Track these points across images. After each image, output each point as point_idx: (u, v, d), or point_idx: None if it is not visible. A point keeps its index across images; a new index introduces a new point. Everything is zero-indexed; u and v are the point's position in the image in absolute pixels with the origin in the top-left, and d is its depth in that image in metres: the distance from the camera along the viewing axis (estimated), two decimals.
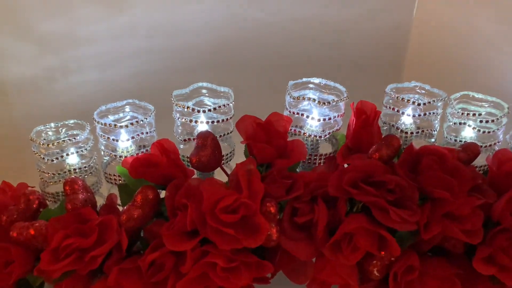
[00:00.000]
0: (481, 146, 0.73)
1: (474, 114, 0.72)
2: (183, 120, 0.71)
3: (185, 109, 0.70)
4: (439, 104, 0.72)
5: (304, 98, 0.69)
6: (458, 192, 0.61)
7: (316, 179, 0.64)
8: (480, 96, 0.75)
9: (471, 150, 0.68)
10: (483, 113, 0.72)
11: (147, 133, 0.73)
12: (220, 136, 0.71)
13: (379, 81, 0.79)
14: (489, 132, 0.72)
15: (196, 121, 0.70)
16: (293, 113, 0.71)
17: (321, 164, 0.72)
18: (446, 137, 0.75)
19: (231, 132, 0.73)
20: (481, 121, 0.72)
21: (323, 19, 1.03)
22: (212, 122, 0.71)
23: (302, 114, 0.70)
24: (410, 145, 0.64)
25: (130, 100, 0.73)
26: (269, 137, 0.65)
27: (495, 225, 0.63)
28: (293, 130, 0.72)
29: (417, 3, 1.11)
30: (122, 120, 0.73)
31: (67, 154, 0.73)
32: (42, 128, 0.73)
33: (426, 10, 1.11)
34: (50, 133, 0.74)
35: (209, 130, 0.68)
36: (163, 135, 0.70)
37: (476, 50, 1.03)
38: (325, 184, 0.63)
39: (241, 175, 0.61)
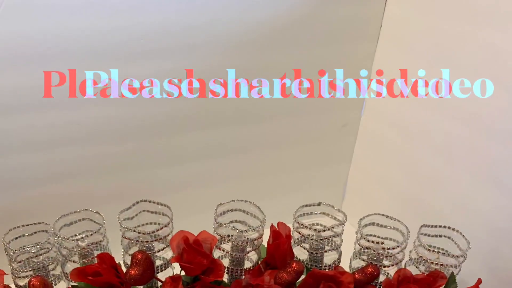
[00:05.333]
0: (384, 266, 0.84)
1: (378, 243, 0.83)
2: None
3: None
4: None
5: (225, 225, 0.82)
6: None
7: None
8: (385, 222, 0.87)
9: (369, 272, 0.79)
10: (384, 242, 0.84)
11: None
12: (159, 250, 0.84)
13: None
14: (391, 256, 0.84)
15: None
16: (219, 234, 0.83)
17: (245, 276, 0.84)
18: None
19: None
20: (383, 249, 0.83)
21: None
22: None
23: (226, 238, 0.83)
24: (313, 270, 0.76)
25: None
26: (196, 255, 0.78)
27: None
28: (218, 248, 0.84)
29: None
30: None
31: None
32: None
33: None
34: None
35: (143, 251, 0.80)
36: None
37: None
38: None
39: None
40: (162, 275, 0.83)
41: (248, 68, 1.00)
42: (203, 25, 0.92)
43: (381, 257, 0.83)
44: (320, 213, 0.89)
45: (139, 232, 0.82)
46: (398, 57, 1.06)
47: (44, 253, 0.85)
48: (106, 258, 0.77)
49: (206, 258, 0.78)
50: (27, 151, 0.90)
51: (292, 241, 0.85)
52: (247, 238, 0.82)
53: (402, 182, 1.09)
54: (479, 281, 0.79)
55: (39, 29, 0.81)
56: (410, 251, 0.87)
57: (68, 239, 0.82)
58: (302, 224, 0.85)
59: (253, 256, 0.86)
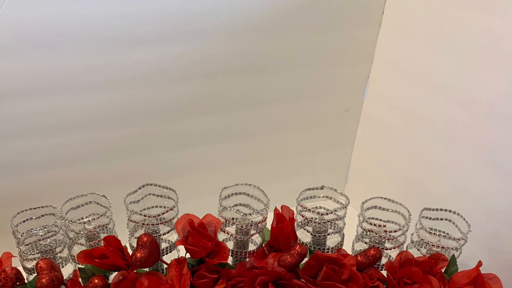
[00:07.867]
0: (386, 249, 0.85)
1: (380, 226, 0.84)
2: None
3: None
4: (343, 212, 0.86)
5: (230, 208, 0.83)
6: None
7: (237, 275, 0.79)
8: (387, 206, 0.88)
9: (371, 254, 0.81)
10: (386, 225, 0.85)
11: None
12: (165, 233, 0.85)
13: None
14: (392, 238, 0.85)
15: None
16: (223, 217, 0.84)
17: (249, 259, 0.85)
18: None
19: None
20: (385, 231, 0.84)
21: None
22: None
23: (230, 221, 0.84)
24: (316, 253, 0.77)
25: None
26: (200, 238, 0.79)
27: None
28: (223, 231, 0.85)
29: None
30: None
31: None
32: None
33: None
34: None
35: (149, 234, 0.81)
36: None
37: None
38: (243, 280, 0.77)
39: (174, 272, 0.76)
40: (168, 258, 0.85)
41: (250, 54, 1.01)
42: (207, 11, 0.92)
43: (383, 240, 0.85)
44: (323, 197, 0.91)
45: (144, 215, 0.83)
46: (400, 42, 1.07)
47: (52, 236, 0.86)
48: (113, 241, 0.79)
49: (211, 241, 0.79)
50: (35, 135, 0.91)
51: (295, 224, 0.86)
52: (251, 221, 0.83)
53: (404, 166, 1.10)
54: (480, 263, 0.80)
55: (46, 15, 0.82)
56: (412, 234, 0.88)
57: (75, 222, 0.84)
58: (305, 207, 0.86)
59: (257, 239, 0.88)
